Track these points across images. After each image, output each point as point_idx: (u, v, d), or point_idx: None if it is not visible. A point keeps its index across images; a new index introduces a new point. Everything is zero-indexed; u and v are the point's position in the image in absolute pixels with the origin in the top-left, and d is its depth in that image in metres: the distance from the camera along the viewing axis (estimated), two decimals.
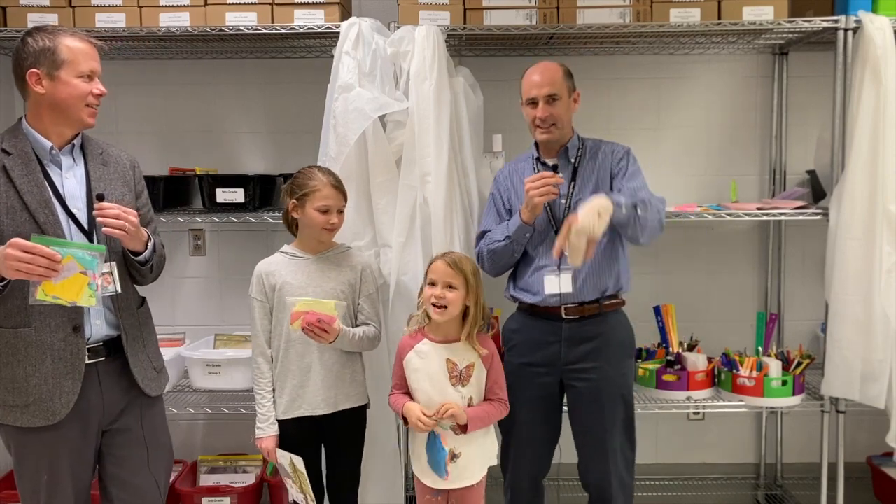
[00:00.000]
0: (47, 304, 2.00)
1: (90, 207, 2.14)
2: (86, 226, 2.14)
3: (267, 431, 2.55)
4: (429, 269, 2.43)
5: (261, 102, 3.57)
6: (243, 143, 3.59)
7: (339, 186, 2.55)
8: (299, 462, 2.50)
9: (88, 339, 2.15)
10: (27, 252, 1.91)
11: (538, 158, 2.68)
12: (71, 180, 2.16)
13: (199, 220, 3.44)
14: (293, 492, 2.59)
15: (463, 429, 2.35)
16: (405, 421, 2.41)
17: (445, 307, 2.35)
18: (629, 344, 2.68)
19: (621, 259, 2.62)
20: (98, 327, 2.18)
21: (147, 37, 3.12)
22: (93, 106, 2.14)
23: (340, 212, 2.56)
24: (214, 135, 3.58)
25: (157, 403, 2.36)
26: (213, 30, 3.04)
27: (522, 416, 2.58)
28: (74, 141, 2.19)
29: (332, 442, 2.62)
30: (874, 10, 3.03)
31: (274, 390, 2.57)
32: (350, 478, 2.66)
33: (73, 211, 2.13)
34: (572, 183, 2.60)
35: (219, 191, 3.22)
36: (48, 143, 2.13)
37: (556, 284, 2.55)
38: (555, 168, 2.58)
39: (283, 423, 2.56)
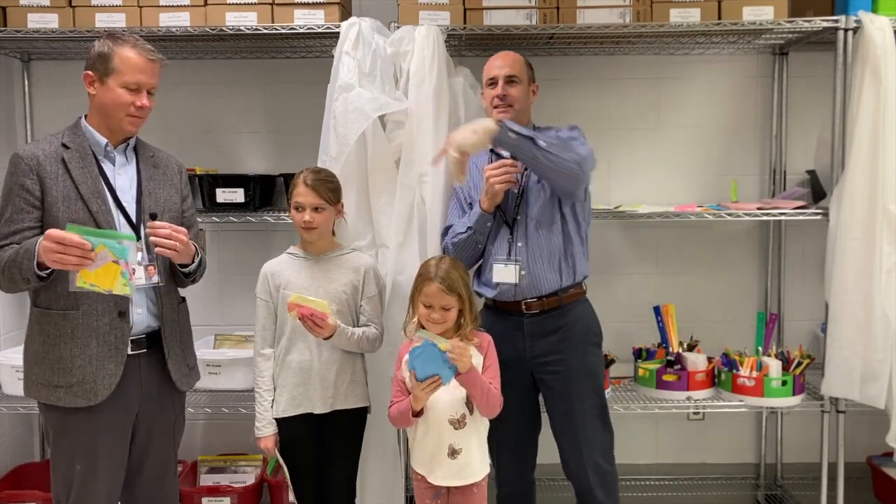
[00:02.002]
0: (87, 291, 2.08)
1: (138, 203, 2.28)
2: (134, 219, 2.26)
3: (264, 431, 2.57)
4: (422, 289, 2.38)
5: (261, 102, 3.57)
6: (243, 143, 3.59)
7: (314, 185, 2.52)
8: (286, 471, 2.55)
9: (131, 329, 2.25)
10: (60, 243, 2.00)
11: (492, 150, 2.66)
12: (123, 176, 2.30)
13: (200, 220, 3.42)
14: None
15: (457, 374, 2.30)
16: (416, 415, 2.35)
17: (444, 322, 2.38)
18: (594, 332, 2.67)
19: (576, 247, 2.60)
20: (140, 316, 2.27)
21: (147, 37, 3.08)
22: (135, 116, 2.25)
23: (317, 211, 2.52)
24: (214, 135, 3.58)
25: (182, 400, 2.46)
26: (213, 30, 3.04)
27: (501, 412, 2.58)
28: (129, 141, 2.33)
29: (329, 444, 2.61)
30: (874, 10, 3.03)
31: (275, 389, 2.58)
32: (346, 482, 2.65)
33: (123, 204, 2.26)
34: (526, 171, 2.60)
35: (219, 191, 3.22)
36: (104, 140, 2.27)
37: (503, 274, 2.57)
38: (514, 157, 2.57)
39: (284, 422, 2.57)
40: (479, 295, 2.69)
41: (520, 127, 2.44)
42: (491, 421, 2.55)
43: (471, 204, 2.68)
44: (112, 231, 2.15)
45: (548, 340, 2.58)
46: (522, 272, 2.56)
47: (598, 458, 2.60)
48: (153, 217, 2.22)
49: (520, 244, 2.58)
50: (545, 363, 2.59)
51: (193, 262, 2.33)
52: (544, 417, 2.71)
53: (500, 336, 2.57)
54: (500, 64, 2.63)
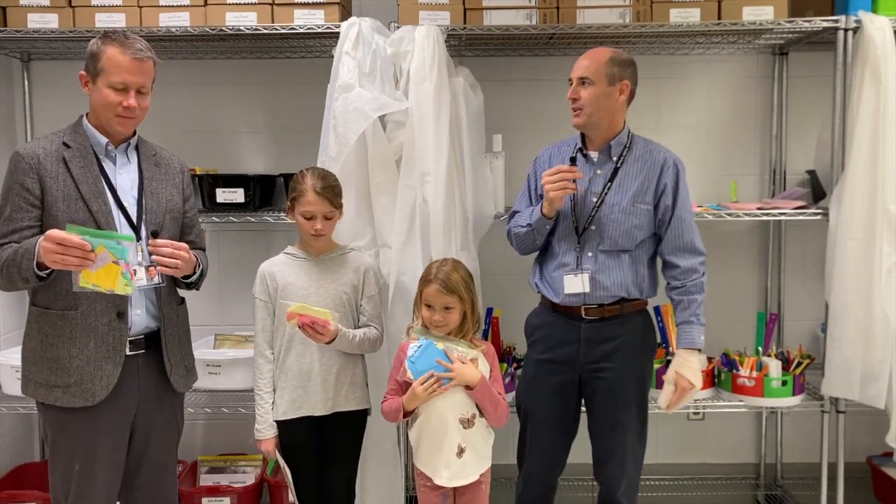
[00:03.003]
0: (90, 291, 2.07)
1: (140, 202, 2.27)
2: (134, 218, 2.25)
3: (265, 434, 2.56)
4: (423, 291, 2.41)
5: (261, 102, 3.57)
6: (243, 143, 3.59)
7: (324, 193, 2.49)
8: (289, 474, 2.54)
9: (130, 330, 2.24)
10: (60, 244, 1.99)
11: (581, 149, 2.59)
12: (124, 176, 2.29)
13: (200, 220, 3.44)
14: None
15: (468, 388, 2.34)
16: (406, 415, 2.39)
17: (446, 325, 2.40)
18: (650, 343, 2.66)
19: (647, 269, 2.57)
20: (139, 317, 2.27)
21: (147, 37, 3.09)
22: (123, 116, 2.21)
23: (328, 218, 2.52)
24: (214, 135, 3.58)
25: (180, 401, 2.45)
26: (213, 30, 3.04)
27: (540, 411, 2.58)
28: (130, 140, 2.32)
29: (329, 446, 2.61)
30: (874, 10, 3.03)
31: (275, 391, 2.58)
32: (346, 483, 2.64)
33: (125, 204, 2.24)
34: (609, 183, 2.52)
35: (219, 191, 3.22)
36: (104, 140, 2.26)
37: (575, 284, 2.51)
38: (573, 161, 2.52)
39: (283, 424, 2.57)
40: (538, 290, 2.64)
41: (697, 335, 2.51)
42: (527, 421, 2.59)
43: (541, 195, 2.58)
44: (111, 232, 2.14)
45: (604, 347, 2.53)
46: (591, 281, 2.50)
47: (632, 468, 2.60)
48: (154, 234, 2.22)
49: (589, 254, 2.52)
50: (597, 369, 2.54)
51: (195, 272, 2.33)
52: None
53: (554, 337, 2.57)
54: (578, 64, 2.50)
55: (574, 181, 2.45)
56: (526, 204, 2.68)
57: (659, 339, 3.26)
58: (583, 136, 2.60)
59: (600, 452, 2.61)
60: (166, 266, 2.18)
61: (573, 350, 2.55)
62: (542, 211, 2.50)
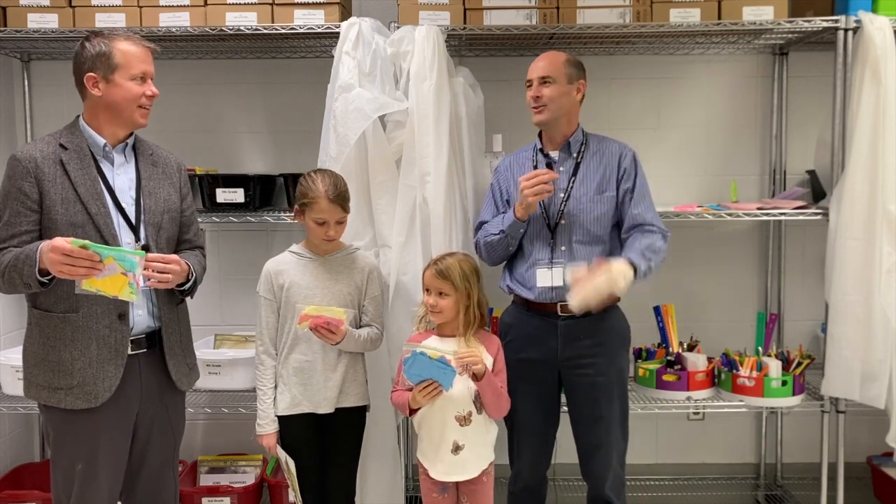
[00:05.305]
0: (93, 294, 2.07)
1: (138, 202, 2.27)
2: (133, 220, 2.25)
3: (266, 429, 2.57)
4: (423, 275, 2.49)
5: (261, 102, 3.57)
6: (243, 143, 3.59)
7: (336, 200, 2.49)
8: (292, 464, 2.54)
9: (131, 330, 2.24)
10: (68, 255, 1.99)
11: (541, 149, 2.68)
12: (122, 177, 2.28)
13: (200, 220, 3.42)
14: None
15: (475, 378, 2.36)
16: (412, 413, 2.42)
17: (440, 312, 2.43)
18: (625, 338, 2.69)
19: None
20: (140, 317, 2.27)
21: (147, 37, 3.09)
22: (145, 107, 2.25)
23: (340, 223, 2.53)
24: (214, 135, 3.58)
25: (182, 399, 2.46)
26: (213, 30, 3.05)
27: (523, 409, 2.60)
28: (127, 140, 2.32)
29: (329, 443, 2.62)
30: (874, 10, 3.03)
31: (276, 387, 2.58)
32: (345, 482, 2.65)
33: (123, 205, 2.24)
34: (573, 178, 2.61)
35: (219, 191, 3.22)
36: (102, 141, 2.26)
37: (548, 278, 2.56)
38: (549, 165, 2.58)
39: (284, 420, 2.58)
40: (511, 291, 2.68)
41: (643, 263, 2.43)
42: (513, 419, 2.60)
43: (507, 202, 2.66)
44: (122, 248, 2.13)
45: (581, 344, 2.57)
46: (566, 275, 2.53)
47: (616, 464, 2.62)
48: (146, 249, 2.21)
49: (563, 248, 2.58)
50: (576, 366, 2.58)
51: (189, 279, 2.31)
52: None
53: (530, 336, 2.60)
54: (537, 66, 2.60)
55: (552, 182, 2.50)
56: (492, 213, 2.73)
57: (659, 339, 3.28)
58: (540, 138, 2.69)
59: (585, 448, 2.64)
60: (158, 280, 2.17)
61: (551, 347, 2.59)
62: (515, 214, 2.54)
